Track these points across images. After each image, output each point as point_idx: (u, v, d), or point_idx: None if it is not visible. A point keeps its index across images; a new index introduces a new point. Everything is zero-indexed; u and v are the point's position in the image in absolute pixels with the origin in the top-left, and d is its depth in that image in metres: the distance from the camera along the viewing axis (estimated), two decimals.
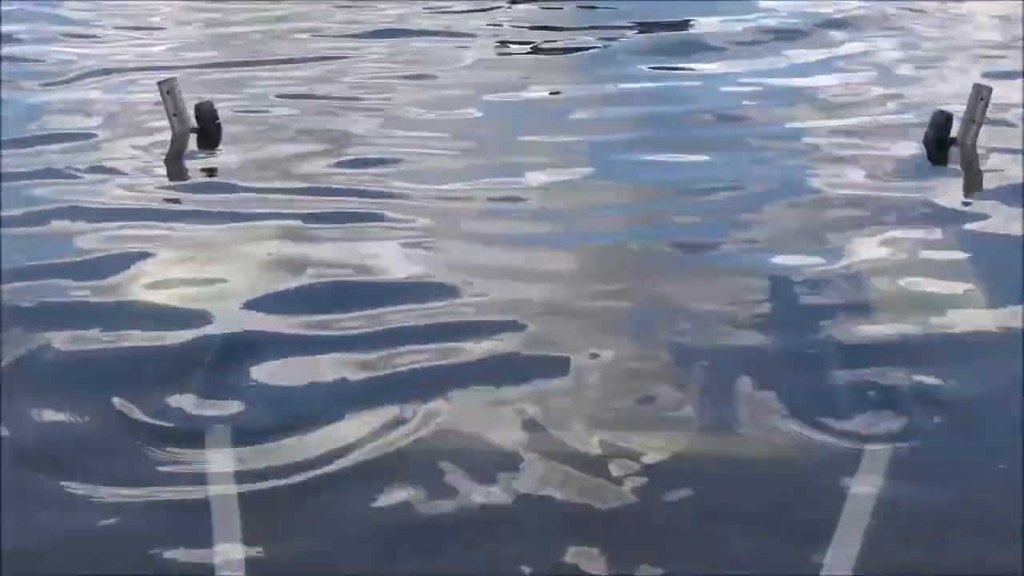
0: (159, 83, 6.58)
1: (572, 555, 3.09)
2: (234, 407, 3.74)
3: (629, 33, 8.87)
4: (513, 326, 4.25)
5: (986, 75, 7.05)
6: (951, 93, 6.79)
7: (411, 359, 4.04)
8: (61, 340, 4.15)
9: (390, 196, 5.59)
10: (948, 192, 5.70)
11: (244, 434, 3.59)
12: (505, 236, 5.13)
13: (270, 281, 4.67)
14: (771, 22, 9.08)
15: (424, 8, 9.78)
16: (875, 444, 3.56)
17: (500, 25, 9.25)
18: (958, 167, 6.16)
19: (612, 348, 4.10)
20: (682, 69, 7.91)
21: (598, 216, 5.37)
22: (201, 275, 4.73)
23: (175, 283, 4.64)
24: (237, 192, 5.66)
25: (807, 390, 3.86)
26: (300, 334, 4.24)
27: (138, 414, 3.69)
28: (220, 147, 6.43)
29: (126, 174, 5.93)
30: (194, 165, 6.26)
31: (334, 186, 5.74)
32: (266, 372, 3.97)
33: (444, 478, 3.37)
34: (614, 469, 3.43)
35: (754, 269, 4.75)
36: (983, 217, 5.36)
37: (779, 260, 4.85)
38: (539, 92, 7.45)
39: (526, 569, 3.04)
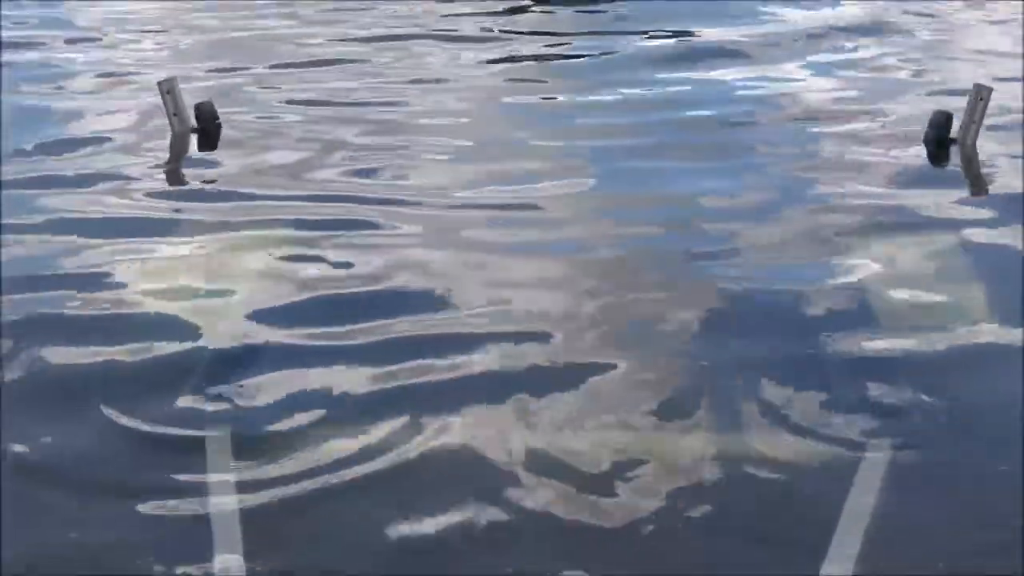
0: (159, 83, 6.58)
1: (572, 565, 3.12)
2: (234, 418, 3.71)
3: (633, 39, 8.83)
4: (517, 337, 4.23)
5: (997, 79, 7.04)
6: (955, 97, 6.76)
7: (415, 371, 4.00)
8: (57, 352, 4.11)
9: (394, 203, 5.56)
10: (950, 199, 5.68)
11: (245, 445, 3.57)
12: (505, 245, 5.10)
13: (272, 291, 4.64)
14: (773, 28, 9.05)
15: (425, 11, 9.77)
16: (874, 448, 3.56)
17: (505, 30, 9.21)
18: (958, 167, 6.16)
19: (615, 359, 4.08)
20: (687, 74, 7.88)
21: (603, 224, 5.34)
22: (200, 285, 4.69)
23: (174, 294, 4.60)
24: (239, 200, 5.61)
25: (807, 397, 3.85)
26: (302, 344, 4.21)
27: (136, 425, 3.67)
28: (222, 151, 6.40)
29: (125, 181, 5.88)
30: (194, 170, 6.19)
31: (337, 193, 5.70)
32: (267, 383, 3.93)
33: (447, 491, 3.35)
34: (618, 479, 3.44)
35: (754, 276, 4.75)
36: (984, 222, 5.34)
37: (779, 266, 4.86)
38: (543, 97, 7.44)
39: None
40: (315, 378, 3.98)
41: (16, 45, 8.59)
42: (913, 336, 4.26)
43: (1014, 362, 4.07)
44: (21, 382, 3.94)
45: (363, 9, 9.89)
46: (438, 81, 7.75)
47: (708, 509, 3.32)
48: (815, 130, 6.67)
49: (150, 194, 5.73)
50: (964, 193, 5.89)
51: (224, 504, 3.29)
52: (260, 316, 4.40)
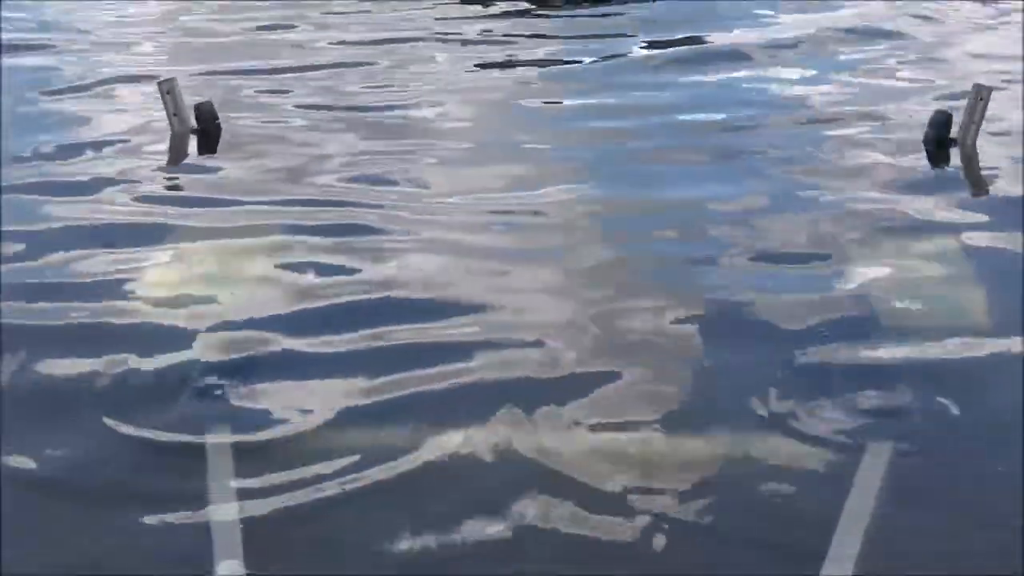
0: (159, 83, 6.58)
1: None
2: (235, 428, 3.70)
3: (635, 44, 8.82)
4: (518, 344, 4.22)
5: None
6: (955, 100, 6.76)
7: (418, 380, 3.98)
8: (54, 361, 4.08)
9: (395, 208, 5.53)
10: (950, 200, 5.68)
11: (244, 454, 3.56)
12: (505, 250, 5.07)
13: (271, 298, 4.60)
14: (775, 33, 9.05)
15: (425, 12, 9.77)
16: (874, 448, 3.56)
17: (508, 34, 9.20)
18: (958, 167, 6.17)
19: (616, 366, 4.07)
20: (691, 78, 7.87)
21: (605, 230, 5.31)
22: (199, 292, 4.64)
23: (172, 301, 4.56)
24: (238, 205, 5.56)
25: (808, 399, 3.85)
26: (303, 352, 4.18)
27: (137, 434, 3.66)
28: (223, 154, 6.38)
29: (125, 185, 5.84)
30: (194, 175, 6.13)
31: (338, 198, 5.66)
32: (268, 391, 3.92)
33: (450, 504, 3.34)
34: (619, 482, 3.45)
35: (754, 282, 4.73)
36: (985, 224, 5.34)
37: (779, 271, 4.85)
38: (546, 101, 7.41)
39: None
40: (317, 386, 3.95)
41: (16, 47, 8.57)
42: (913, 340, 4.25)
43: (1014, 364, 4.07)
44: (19, 392, 3.91)
45: (362, 11, 9.87)
46: (440, 84, 7.72)
47: (708, 510, 3.32)
48: (816, 133, 6.65)
49: (149, 199, 5.69)
50: (964, 194, 5.88)
51: (225, 513, 3.27)
52: (260, 324, 4.37)
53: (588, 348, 4.21)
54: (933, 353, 4.16)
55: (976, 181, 6.08)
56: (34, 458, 3.54)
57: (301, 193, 5.73)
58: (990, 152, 6.24)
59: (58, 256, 4.96)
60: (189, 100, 6.60)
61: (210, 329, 4.33)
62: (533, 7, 10.09)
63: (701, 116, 7.00)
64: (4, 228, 5.21)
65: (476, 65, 8.25)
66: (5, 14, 9.51)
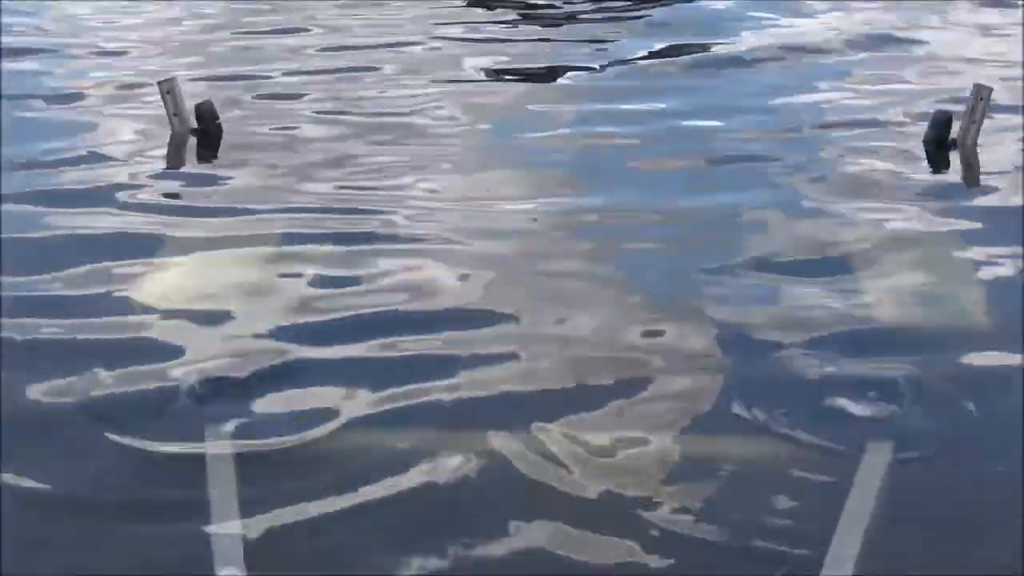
0: (159, 83, 6.58)
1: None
2: (237, 439, 3.67)
3: (643, 49, 8.80)
4: (518, 357, 4.17)
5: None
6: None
7: (427, 391, 3.94)
8: (56, 376, 4.02)
9: (397, 215, 5.49)
10: (950, 201, 5.68)
11: (248, 466, 3.53)
12: (509, 258, 5.04)
13: (273, 307, 4.55)
14: (776, 39, 9.04)
15: (428, 15, 9.76)
16: (874, 448, 3.56)
17: (513, 38, 9.19)
18: (958, 168, 6.17)
19: (621, 373, 4.06)
20: (695, 82, 7.86)
21: (612, 241, 5.27)
22: (203, 305, 4.58)
23: (175, 313, 4.51)
24: (239, 215, 5.48)
25: (808, 400, 3.87)
26: (305, 361, 4.15)
27: (136, 448, 3.63)
28: (223, 158, 6.36)
29: (126, 191, 5.79)
30: (195, 181, 6.09)
31: (342, 205, 5.61)
32: (272, 400, 3.90)
33: (461, 523, 3.30)
34: (618, 483, 3.45)
35: (754, 290, 4.73)
36: (984, 225, 5.34)
37: (780, 276, 4.84)
38: (551, 106, 7.38)
39: None
40: (323, 397, 3.92)
41: (16, 51, 8.54)
42: (914, 344, 4.26)
43: (1015, 366, 4.08)
44: (21, 407, 3.87)
45: (361, 15, 9.85)
46: (445, 89, 7.67)
47: (708, 510, 3.32)
48: (816, 138, 6.63)
49: (150, 207, 5.61)
50: (964, 194, 5.88)
51: (227, 526, 3.25)
52: (262, 334, 4.33)
53: (599, 360, 4.17)
54: (934, 355, 4.16)
55: (976, 182, 6.08)
56: (36, 473, 3.51)
57: (303, 200, 5.67)
58: (992, 153, 6.25)
59: (55, 268, 4.87)
60: (190, 104, 6.58)
61: (210, 340, 4.29)
62: (538, 10, 10.08)
63: (703, 122, 6.97)
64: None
65: (481, 69, 8.22)
66: (6, 19, 9.47)
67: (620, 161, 6.28)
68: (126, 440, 3.65)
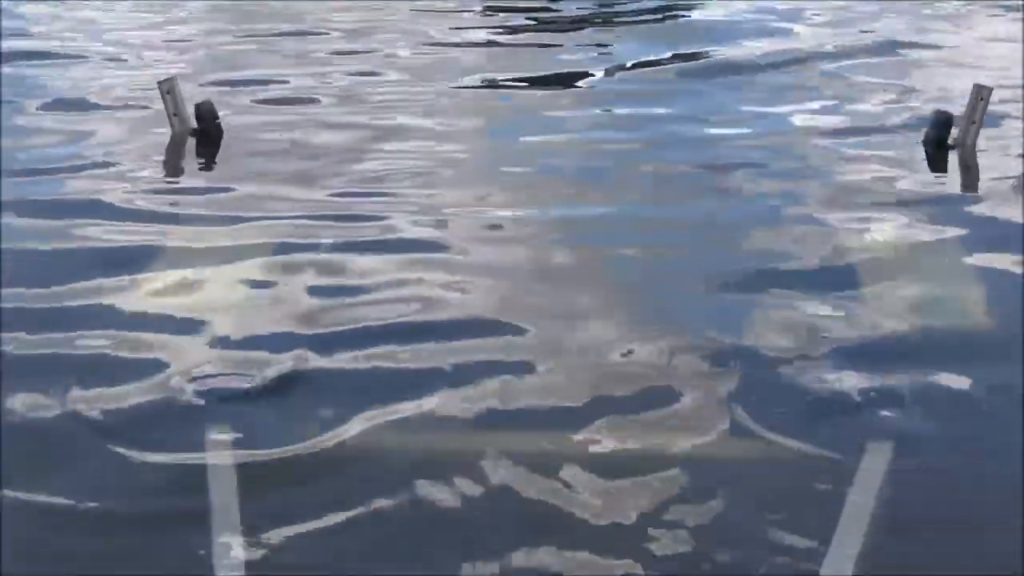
0: (159, 83, 6.58)
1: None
2: (238, 449, 3.65)
3: (649, 56, 8.79)
4: (520, 368, 4.15)
5: None
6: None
7: (428, 403, 3.91)
8: (53, 387, 3.97)
9: (399, 220, 5.47)
10: (950, 202, 5.68)
11: (249, 477, 3.51)
12: (514, 266, 5.01)
13: (274, 317, 4.52)
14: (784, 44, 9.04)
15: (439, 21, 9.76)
16: (874, 448, 3.57)
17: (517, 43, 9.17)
18: (958, 168, 6.18)
19: (626, 379, 4.07)
20: (698, 87, 7.86)
21: (612, 248, 5.25)
22: (201, 316, 4.53)
23: (173, 324, 4.47)
24: (241, 222, 5.45)
25: (809, 402, 3.87)
26: (309, 370, 4.12)
27: (136, 460, 3.61)
28: (224, 160, 6.35)
29: (124, 199, 5.75)
30: (195, 186, 6.06)
31: (344, 212, 5.57)
32: (273, 413, 3.87)
33: (464, 538, 3.28)
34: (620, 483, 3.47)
35: (756, 293, 4.73)
36: (984, 226, 5.35)
37: (779, 280, 4.83)
38: (555, 112, 7.37)
39: None
40: (325, 406, 3.89)
41: (16, 55, 8.53)
42: (915, 348, 4.27)
43: (1014, 368, 4.07)
44: (20, 419, 3.84)
45: (368, 20, 9.84)
46: (451, 94, 7.68)
47: (708, 510, 3.33)
48: (816, 144, 6.63)
49: (148, 214, 5.57)
50: (963, 198, 5.88)
51: (228, 538, 3.23)
52: (264, 344, 4.29)
53: (604, 370, 4.14)
54: (936, 364, 4.15)
55: (976, 182, 6.08)
56: (43, 489, 3.47)
57: (303, 207, 5.63)
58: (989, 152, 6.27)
59: (50, 279, 4.81)
60: (190, 106, 6.59)
61: (214, 349, 4.26)
62: (546, 15, 10.08)
63: (704, 129, 6.96)
64: None
65: (486, 75, 8.19)
66: (6, 23, 9.47)
67: (622, 167, 6.28)
68: (125, 451, 3.63)
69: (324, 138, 6.74)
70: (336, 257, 5.07)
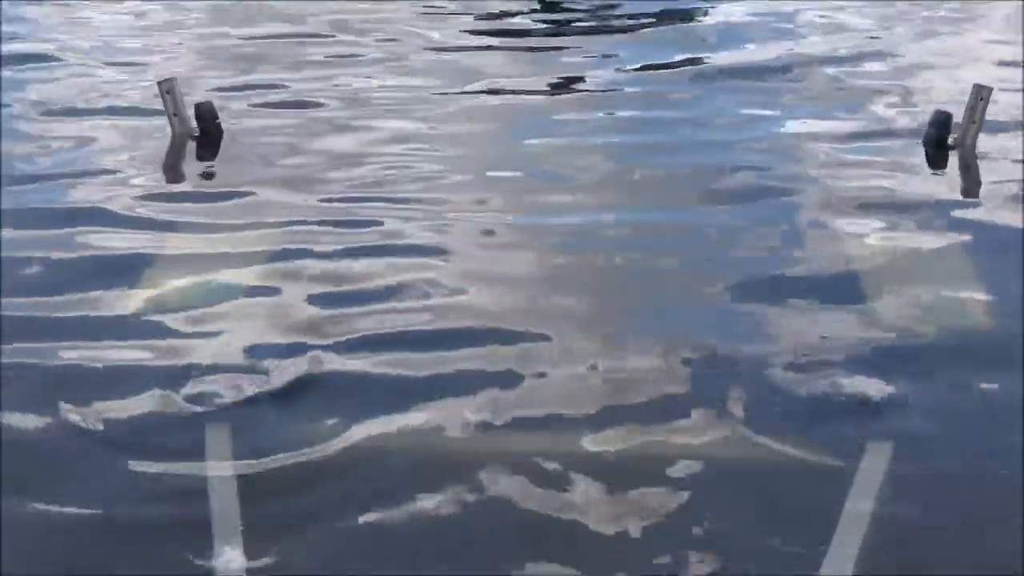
0: (159, 83, 6.58)
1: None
2: (239, 459, 3.65)
3: (646, 60, 8.77)
4: (522, 374, 4.14)
5: None
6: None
7: (432, 411, 3.91)
8: (54, 398, 3.96)
9: (403, 227, 5.44)
10: (949, 203, 5.67)
11: (251, 486, 3.52)
12: (519, 275, 4.98)
13: (275, 326, 4.50)
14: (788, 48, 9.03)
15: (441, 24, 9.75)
16: (874, 448, 3.57)
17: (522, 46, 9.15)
18: (957, 168, 6.17)
19: (632, 383, 4.07)
20: (698, 92, 7.85)
21: (620, 254, 5.22)
22: (201, 323, 4.52)
23: (173, 331, 4.45)
24: (243, 229, 5.41)
25: (809, 402, 3.88)
26: (311, 376, 4.12)
27: (138, 470, 3.62)
28: (224, 163, 6.33)
29: (124, 204, 5.71)
30: (194, 189, 6.04)
31: (346, 218, 5.54)
32: (277, 421, 3.87)
33: (468, 549, 3.28)
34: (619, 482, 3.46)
35: (754, 300, 4.72)
36: (984, 227, 5.35)
37: (780, 285, 4.83)
38: (558, 116, 7.30)
39: None
40: (323, 411, 3.90)
41: (15, 58, 8.49)
42: (915, 351, 4.26)
43: (1015, 369, 4.08)
44: (24, 430, 3.84)
45: (369, 21, 9.83)
46: (456, 99, 7.64)
47: (708, 509, 3.32)
48: (819, 145, 6.62)
49: (147, 221, 5.52)
50: (963, 201, 5.88)
51: (230, 547, 3.24)
52: (263, 349, 4.29)
53: (612, 377, 4.13)
54: (936, 366, 4.16)
55: (976, 182, 6.08)
56: (59, 498, 3.48)
57: (305, 212, 5.60)
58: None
59: (49, 288, 4.80)
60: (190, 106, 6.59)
61: (214, 356, 4.25)
62: (550, 17, 10.07)
63: (709, 132, 6.94)
64: None
65: (491, 79, 8.15)
66: (6, 28, 9.45)
67: (625, 171, 6.26)
68: (125, 460, 3.64)
69: (327, 142, 6.70)
70: (337, 263, 5.06)
